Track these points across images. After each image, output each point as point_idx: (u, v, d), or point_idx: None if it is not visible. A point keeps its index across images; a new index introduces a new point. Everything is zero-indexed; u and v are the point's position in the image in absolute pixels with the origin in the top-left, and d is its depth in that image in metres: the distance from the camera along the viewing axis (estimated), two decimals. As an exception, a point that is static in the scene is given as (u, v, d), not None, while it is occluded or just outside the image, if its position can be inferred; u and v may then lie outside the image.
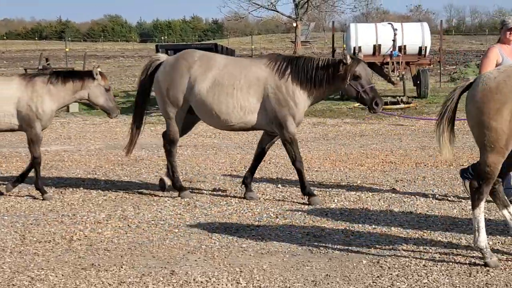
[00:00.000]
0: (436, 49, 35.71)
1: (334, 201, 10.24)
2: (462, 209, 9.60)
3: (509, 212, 7.45)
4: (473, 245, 7.36)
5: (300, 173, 10.26)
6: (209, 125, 11.00)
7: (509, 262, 7.30)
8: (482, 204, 7.20)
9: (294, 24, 54.49)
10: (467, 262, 7.34)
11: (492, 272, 7.01)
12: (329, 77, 10.15)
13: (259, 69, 10.29)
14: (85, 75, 10.74)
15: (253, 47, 35.70)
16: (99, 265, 7.40)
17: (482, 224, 7.19)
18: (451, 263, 7.30)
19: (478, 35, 77.89)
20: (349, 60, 10.05)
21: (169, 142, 10.73)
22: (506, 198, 7.54)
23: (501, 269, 7.09)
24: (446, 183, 11.38)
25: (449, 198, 10.27)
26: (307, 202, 10.11)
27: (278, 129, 10.21)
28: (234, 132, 12.72)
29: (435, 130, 7.58)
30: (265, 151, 10.83)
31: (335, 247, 7.99)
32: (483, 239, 7.18)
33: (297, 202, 10.20)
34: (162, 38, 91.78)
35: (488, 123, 6.93)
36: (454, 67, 38.21)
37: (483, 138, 7.03)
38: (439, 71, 31.54)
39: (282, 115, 10.12)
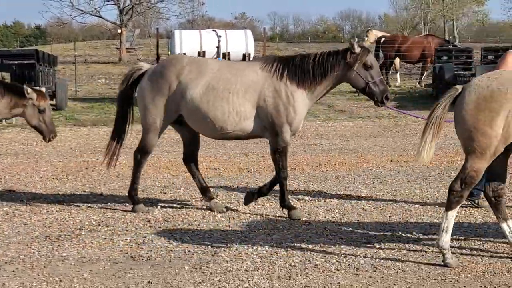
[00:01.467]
0: (260, 56, 36.29)
1: (157, 208, 10.21)
2: (284, 214, 9.78)
3: (508, 226, 7.59)
4: (435, 244, 7.51)
5: (282, 185, 9.75)
6: (203, 135, 10.32)
7: (331, 264, 7.52)
8: (458, 207, 7.43)
9: (119, 31, 53.93)
10: (287, 265, 7.49)
11: (311, 274, 7.19)
12: (332, 68, 9.67)
13: (254, 73, 9.76)
14: (21, 92, 10.10)
15: (76, 53, 35.06)
16: None
17: (451, 226, 7.40)
18: (271, 267, 7.43)
19: (301, 42, 79.75)
20: (357, 49, 9.56)
21: (142, 153, 10.07)
22: (506, 211, 7.71)
23: (320, 271, 7.29)
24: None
25: (271, 203, 10.45)
26: (288, 216, 9.69)
27: (272, 137, 9.70)
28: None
29: (422, 136, 7.63)
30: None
31: (158, 254, 7.97)
32: (448, 240, 7.38)
33: (119, 210, 10.11)
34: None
35: (483, 130, 7.10)
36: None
37: (473, 145, 7.20)
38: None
39: (279, 122, 9.61)
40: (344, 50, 9.70)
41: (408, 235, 8.63)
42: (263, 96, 9.63)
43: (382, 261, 7.61)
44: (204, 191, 10.20)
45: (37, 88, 10.55)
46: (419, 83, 31.95)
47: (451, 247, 7.55)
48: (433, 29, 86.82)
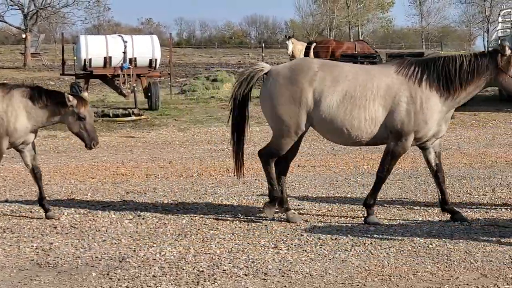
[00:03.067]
0: (167, 61, 36.13)
1: (64, 214, 10.07)
2: (192, 219, 9.77)
3: None
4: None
5: (377, 184, 9.58)
6: (333, 142, 10.20)
7: (239, 269, 7.54)
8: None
9: (24, 36, 53.00)
10: (195, 271, 7.49)
11: (219, 280, 7.20)
12: (481, 73, 9.17)
13: (389, 77, 9.33)
14: (62, 99, 9.70)
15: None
16: None
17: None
18: (179, 273, 7.41)
19: (208, 48, 79.82)
20: (508, 51, 9.03)
21: (270, 156, 9.76)
22: None
23: (228, 277, 7.31)
24: (176, 194, 11.55)
25: (178, 209, 10.42)
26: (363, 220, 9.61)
27: (393, 142, 9.38)
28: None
29: None
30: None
31: (64, 260, 7.87)
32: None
33: (25, 216, 9.94)
34: None
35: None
36: (185, 79, 38.81)
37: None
38: (169, 83, 31.94)
39: (407, 130, 9.25)
40: (492, 52, 9.28)
41: (316, 239, 8.71)
42: (397, 102, 9.27)
43: (290, 265, 7.67)
44: (283, 202, 9.90)
45: (78, 95, 10.17)
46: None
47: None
48: (338, 35, 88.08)
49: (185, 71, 45.13)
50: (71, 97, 9.70)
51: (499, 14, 35.31)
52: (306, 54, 32.17)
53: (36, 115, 9.70)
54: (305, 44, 35.19)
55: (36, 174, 10.02)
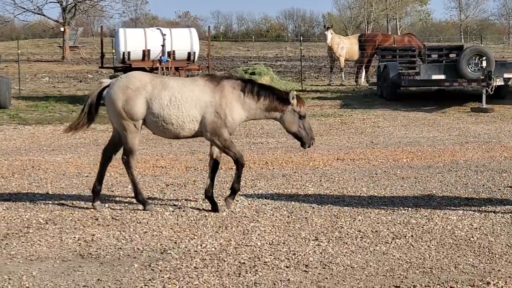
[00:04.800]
0: (205, 54, 36.22)
1: (105, 206, 10.15)
2: (232, 212, 9.81)
3: None
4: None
5: None
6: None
7: (280, 261, 7.57)
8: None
9: (62, 29, 53.44)
10: (237, 262, 7.52)
11: (260, 272, 7.23)
12: None
13: None
14: (284, 97, 9.80)
15: (19, 51, 34.64)
16: None
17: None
18: (221, 265, 7.46)
19: (245, 41, 79.87)
20: None
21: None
22: None
23: (269, 268, 7.34)
24: (215, 187, 11.56)
25: (218, 201, 10.44)
26: None
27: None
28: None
29: None
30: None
31: (107, 251, 7.95)
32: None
33: (67, 208, 10.03)
34: None
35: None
36: (223, 72, 38.99)
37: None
38: (208, 76, 32.01)
39: None
40: None
41: (356, 232, 8.72)
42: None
43: (331, 258, 7.68)
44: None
45: (298, 94, 10.26)
46: (366, 82, 32.43)
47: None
48: (376, 28, 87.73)
49: (223, 64, 45.29)
50: (293, 95, 9.75)
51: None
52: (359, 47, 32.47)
53: (249, 107, 9.78)
54: (342, 38, 35.08)
55: (215, 165, 10.15)
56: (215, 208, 9.87)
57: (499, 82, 23.79)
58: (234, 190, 10.13)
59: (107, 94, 9.90)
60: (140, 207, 9.94)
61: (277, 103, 9.76)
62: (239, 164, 9.95)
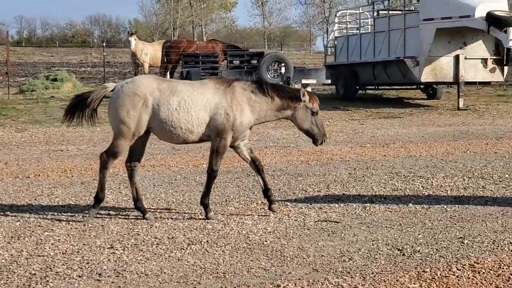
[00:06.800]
0: (3, 60, 35.18)
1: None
2: (26, 221, 9.55)
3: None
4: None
5: None
6: None
7: (73, 271, 7.42)
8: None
9: None
10: (27, 274, 7.32)
11: (51, 282, 7.06)
12: None
13: None
14: (295, 94, 9.35)
15: None
16: None
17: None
18: (10, 276, 7.23)
19: (49, 47, 78.30)
20: None
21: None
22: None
23: (61, 279, 7.18)
24: (10, 196, 11.25)
25: (12, 211, 10.15)
26: None
27: None
28: None
29: None
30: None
31: None
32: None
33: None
34: None
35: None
36: (24, 78, 37.94)
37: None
38: (7, 83, 31.09)
39: None
40: None
41: (153, 239, 8.69)
42: None
43: (125, 265, 7.61)
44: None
45: (310, 90, 9.77)
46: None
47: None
48: (182, 34, 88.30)
49: (24, 70, 44.12)
50: (304, 91, 9.51)
51: (336, 15, 36.35)
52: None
53: (260, 109, 9.56)
54: (146, 44, 35.06)
55: (257, 166, 9.87)
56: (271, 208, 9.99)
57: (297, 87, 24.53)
58: (205, 205, 9.85)
59: (112, 99, 9.57)
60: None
61: (289, 101, 9.63)
62: (212, 175, 9.80)
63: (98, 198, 9.77)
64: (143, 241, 8.59)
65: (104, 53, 36.55)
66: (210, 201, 9.85)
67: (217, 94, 9.52)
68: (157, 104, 9.42)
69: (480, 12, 25.32)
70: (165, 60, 33.06)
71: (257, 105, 9.60)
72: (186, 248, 8.28)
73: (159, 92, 9.47)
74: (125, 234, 8.95)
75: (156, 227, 9.30)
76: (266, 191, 9.99)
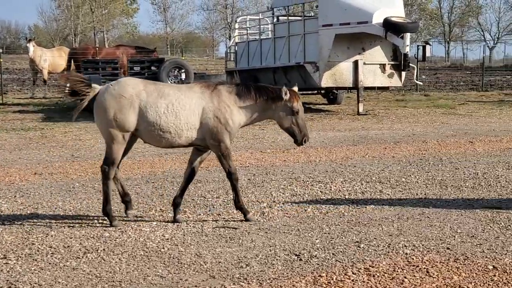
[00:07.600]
0: None
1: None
2: None
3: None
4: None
5: None
6: None
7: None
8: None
9: None
10: None
11: None
12: None
13: None
14: (276, 94, 9.21)
15: None
16: None
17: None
18: None
19: None
20: None
21: None
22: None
23: None
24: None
25: None
26: None
27: None
28: None
29: None
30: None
31: None
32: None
33: None
34: None
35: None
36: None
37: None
38: None
39: None
40: None
41: (48, 248, 8.52)
42: None
43: (18, 276, 7.47)
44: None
45: (292, 88, 9.51)
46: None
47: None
48: (84, 40, 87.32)
49: None
50: (286, 90, 9.36)
51: (236, 21, 36.52)
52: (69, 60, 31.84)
53: (246, 111, 9.50)
54: (45, 51, 34.51)
55: (191, 176, 9.98)
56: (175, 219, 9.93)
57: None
58: (240, 208, 10.01)
59: (97, 101, 9.30)
60: None
61: (272, 101, 9.55)
62: (232, 178, 9.76)
63: (106, 212, 9.72)
64: (38, 251, 8.43)
65: (1, 59, 35.73)
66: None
67: (204, 98, 9.48)
68: (144, 106, 9.33)
69: (378, 19, 25.74)
70: (70, 67, 32.47)
71: (243, 107, 9.59)
72: (82, 257, 8.17)
73: (146, 94, 9.39)
74: (19, 243, 8.77)
75: (51, 235, 9.14)
76: (178, 198, 10.00)
